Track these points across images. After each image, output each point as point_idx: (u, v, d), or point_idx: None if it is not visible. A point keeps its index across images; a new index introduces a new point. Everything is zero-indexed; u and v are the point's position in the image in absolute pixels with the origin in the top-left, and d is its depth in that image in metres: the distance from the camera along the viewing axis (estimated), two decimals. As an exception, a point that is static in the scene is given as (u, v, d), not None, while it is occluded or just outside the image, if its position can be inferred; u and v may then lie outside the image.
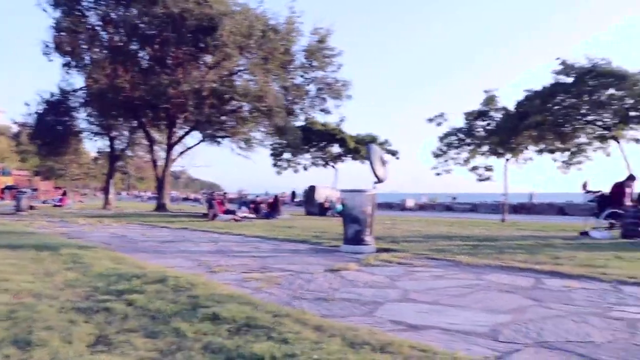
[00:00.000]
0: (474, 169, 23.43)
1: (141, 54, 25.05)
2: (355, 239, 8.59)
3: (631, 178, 13.45)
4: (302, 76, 25.83)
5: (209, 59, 24.68)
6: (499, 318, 3.99)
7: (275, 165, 39.28)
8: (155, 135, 29.21)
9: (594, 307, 4.39)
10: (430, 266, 6.81)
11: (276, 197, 23.26)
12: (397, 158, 39.37)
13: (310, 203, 27.47)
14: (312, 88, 26.01)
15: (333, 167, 39.80)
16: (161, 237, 11.46)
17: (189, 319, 3.59)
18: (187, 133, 28.00)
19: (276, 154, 38.78)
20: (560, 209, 31.43)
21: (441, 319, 3.96)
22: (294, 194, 48.38)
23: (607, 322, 3.89)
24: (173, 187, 76.34)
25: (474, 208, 37.23)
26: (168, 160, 27.39)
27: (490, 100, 22.54)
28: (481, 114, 22.74)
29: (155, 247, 9.30)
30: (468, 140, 23.17)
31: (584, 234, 12.22)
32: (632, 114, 19.44)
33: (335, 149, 39.43)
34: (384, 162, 9.41)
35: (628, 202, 12.63)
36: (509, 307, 4.37)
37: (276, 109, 23.58)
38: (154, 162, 28.44)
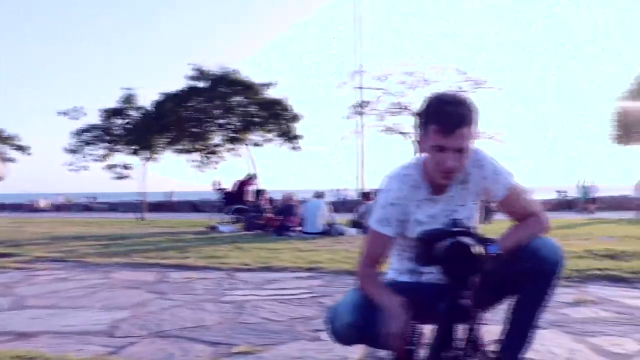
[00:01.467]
0: (111, 167, 22.87)
1: None
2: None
3: (252, 177, 15.14)
4: None
5: None
6: (119, 314, 4.01)
7: None
8: None
9: (210, 294, 4.78)
10: (55, 269, 6.43)
11: None
12: (30, 154, 35.56)
13: None
14: None
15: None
16: None
17: None
18: None
19: None
20: (195, 206, 33.25)
21: (58, 322, 3.79)
22: None
23: (219, 306, 4.28)
24: None
25: (114, 207, 36.60)
26: None
27: (128, 98, 22.30)
28: (118, 112, 22.31)
29: None
30: (105, 138, 22.47)
31: (213, 228, 13.17)
32: (255, 120, 21.75)
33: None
34: (3, 159, 8.53)
35: (250, 198, 14.14)
36: (131, 303, 4.43)
37: None
38: None
